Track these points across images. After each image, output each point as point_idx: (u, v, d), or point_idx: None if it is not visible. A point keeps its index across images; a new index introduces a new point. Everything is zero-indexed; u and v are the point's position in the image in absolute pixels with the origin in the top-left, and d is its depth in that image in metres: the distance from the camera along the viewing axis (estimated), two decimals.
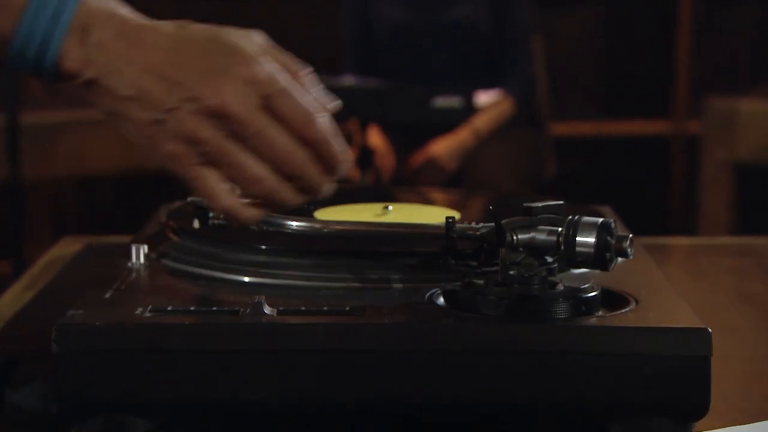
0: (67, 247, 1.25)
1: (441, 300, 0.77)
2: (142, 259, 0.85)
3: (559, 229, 0.73)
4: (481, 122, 2.86)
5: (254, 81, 0.74)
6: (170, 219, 0.93)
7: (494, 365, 0.70)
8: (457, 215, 0.94)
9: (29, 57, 0.75)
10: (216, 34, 0.75)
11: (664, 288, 0.80)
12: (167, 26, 0.76)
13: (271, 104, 0.74)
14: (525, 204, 0.75)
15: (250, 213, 0.77)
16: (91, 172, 3.24)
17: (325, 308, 0.75)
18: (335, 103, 0.79)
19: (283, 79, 0.75)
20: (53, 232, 3.09)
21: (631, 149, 3.79)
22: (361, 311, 0.74)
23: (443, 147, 2.84)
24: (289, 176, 0.76)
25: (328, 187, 0.78)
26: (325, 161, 0.76)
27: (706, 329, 0.70)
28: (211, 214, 0.87)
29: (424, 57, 2.91)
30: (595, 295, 0.74)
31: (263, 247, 0.83)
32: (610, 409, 0.71)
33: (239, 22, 0.80)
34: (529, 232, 0.74)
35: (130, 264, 0.84)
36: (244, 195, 0.76)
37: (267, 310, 0.73)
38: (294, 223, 0.84)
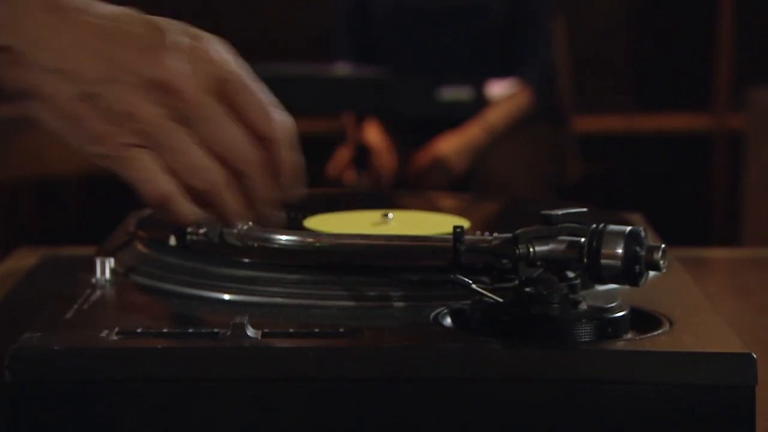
0: (22, 260, 1.26)
1: (448, 320, 0.77)
2: (107, 274, 0.85)
3: (582, 239, 0.74)
4: (494, 117, 2.87)
5: (206, 59, 0.72)
6: (140, 228, 0.93)
7: (508, 395, 0.71)
8: (466, 224, 0.95)
9: None
10: (161, 18, 0.73)
11: (702, 307, 0.81)
12: (104, 5, 0.73)
13: (225, 90, 0.72)
14: (543, 212, 0.75)
15: (189, 206, 0.74)
16: (49, 174, 3.24)
17: (316, 330, 0.75)
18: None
19: (241, 66, 0.73)
20: (6, 243, 3.09)
21: (665, 147, 3.79)
22: (358, 333, 0.74)
23: (451, 145, 2.85)
24: (235, 176, 0.74)
25: (272, 203, 0.75)
26: (277, 168, 0.75)
27: (750, 355, 0.71)
28: (189, 230, 0.87)
29: (429, 41, 2.91)
30: (623, 315, 0.75)
31: (246, 260, 0.83)
32: None
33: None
34: (548, 244, 0.74)
35: (94, 280, 0.85)
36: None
37: (250, 332, 0.73)
38: (280, 235, 0.84)
